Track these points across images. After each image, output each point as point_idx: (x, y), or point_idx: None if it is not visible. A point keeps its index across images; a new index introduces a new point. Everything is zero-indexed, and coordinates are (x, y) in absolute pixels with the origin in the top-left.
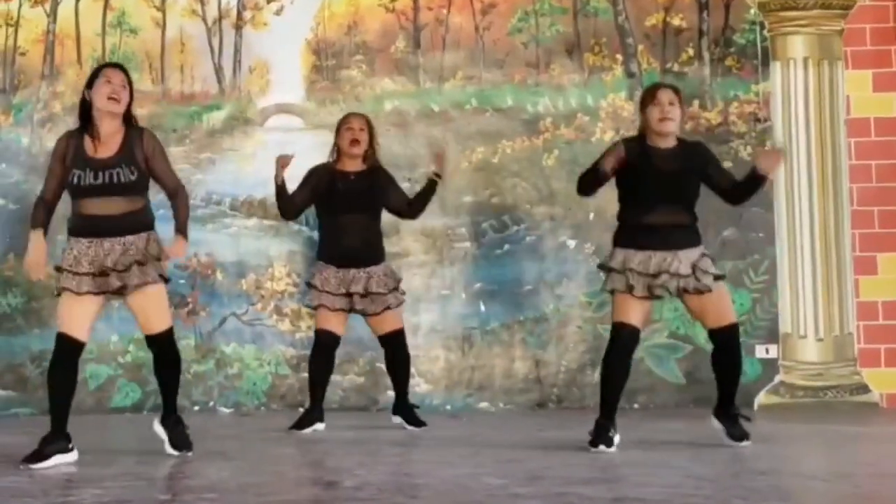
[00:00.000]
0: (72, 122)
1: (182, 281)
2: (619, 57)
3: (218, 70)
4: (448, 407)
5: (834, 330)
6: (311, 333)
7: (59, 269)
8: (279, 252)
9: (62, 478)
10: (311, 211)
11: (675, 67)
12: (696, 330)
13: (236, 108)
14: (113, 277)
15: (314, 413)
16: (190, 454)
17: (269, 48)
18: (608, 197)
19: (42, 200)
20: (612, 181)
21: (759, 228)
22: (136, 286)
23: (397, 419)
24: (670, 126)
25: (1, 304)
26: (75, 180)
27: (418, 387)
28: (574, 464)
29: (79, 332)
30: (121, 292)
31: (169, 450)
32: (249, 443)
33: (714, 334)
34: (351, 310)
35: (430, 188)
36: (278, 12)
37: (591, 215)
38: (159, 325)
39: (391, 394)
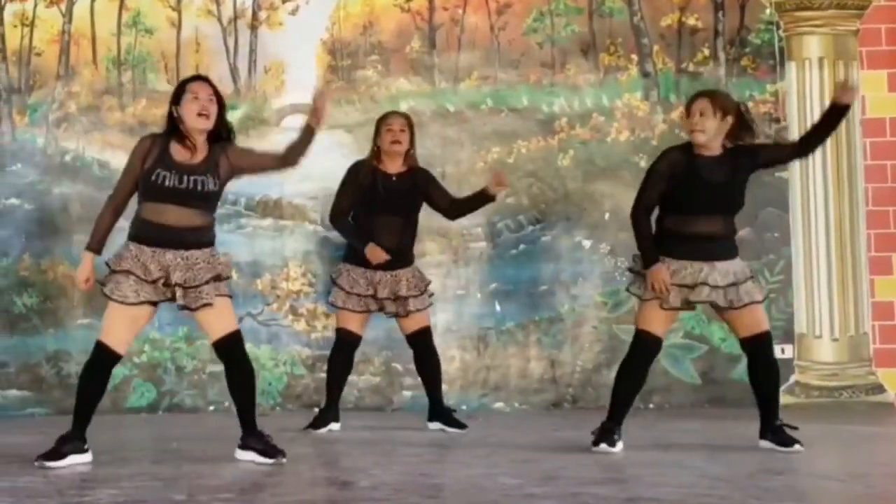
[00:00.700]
0: (87, 122)
1: None
2: (635, 57)
3: (233, 70)
4: (463, 407)
5: (849, 330)
6: (327, 334)
7: (113, 271)
8: (294, 252)
9: (77, 478)
10: (325, 210)
11: (691, 68)
12: (712, 330)
13: (252, 108)
14: (179, 293)
15: (330, 413)
16: (285, 460)
17: (284, 48)
18: (624, 197)
19: (110, 205)
20: (634, 188)
21: (775, 228)
22: (208, 304)
23: (435, 425)
24: (700, 137)
25: (17, 305)
26: (159, 180)
27: None
28: (589, 464)
29: (120, 345)
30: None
31: (263, 461)
32: None
33: (746, 343)
34: (385, 313)
35: (478, 201)
36: (293, 12)
37: (607, 215)
38: (228, 327)
39: (407, 394)
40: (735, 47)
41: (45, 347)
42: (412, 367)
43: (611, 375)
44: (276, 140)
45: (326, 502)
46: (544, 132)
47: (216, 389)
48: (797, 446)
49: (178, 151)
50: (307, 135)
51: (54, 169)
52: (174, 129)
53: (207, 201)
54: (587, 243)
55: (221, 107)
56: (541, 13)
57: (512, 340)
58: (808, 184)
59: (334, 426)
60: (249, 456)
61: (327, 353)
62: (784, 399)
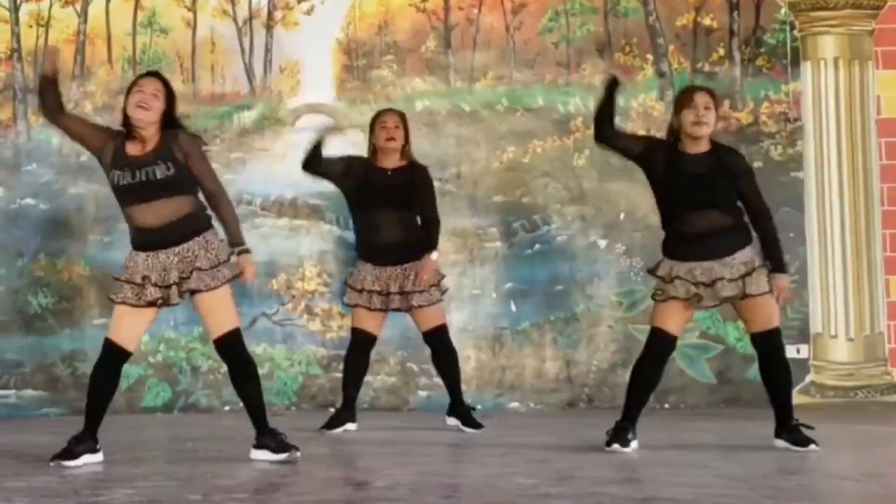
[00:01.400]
0: (102, 122)
1: None
2: (650, 57)
3: (248, 70)
4: (479, 407)
5: (865, 330)
6: (342, 334)
7: (117, 279)
8: (310, 251)
9: (92, 477)
10: (341, 210)
11: (706, 67)
12: (728, 330)
13: (267, 108)
14: (174, 291)
15: (345, 413)
16: (298, 453)
17: (299, 48)
18: (638, 197)
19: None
20: (649, 189)
21: (790, 228)
22: (205, 289)
23: (453, 421)
24: (704, 130)
25: (32, 304)
26: (115, 180)
27: None
28: (604, 464)
29: (128, 342)
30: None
31: (277, 458)
32: None
33: (756, 339)
34: (389, 309)
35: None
36: (309, 12)
37: (622, 215)
38: (226, 325)
39: (422, 394)
40: (750, 47)
41: (60, 347)
42: (428, 366)
43: (626, 375)
44: (291, 140)
45: (342, 502)
46: (560, 132)
47: (232, 389)
48: (812, 446)
49: (130, 148)
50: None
51: (70, 169)
52: (127, 126)
53: (169, 189)
54: (602, 243)
55: (171, 103)
56: (556, 13)
57: (527, 340)
58: (824, 183)
59: (350, 426)
60: (264, 455)
61: (343, 353)
62: (799, 399)
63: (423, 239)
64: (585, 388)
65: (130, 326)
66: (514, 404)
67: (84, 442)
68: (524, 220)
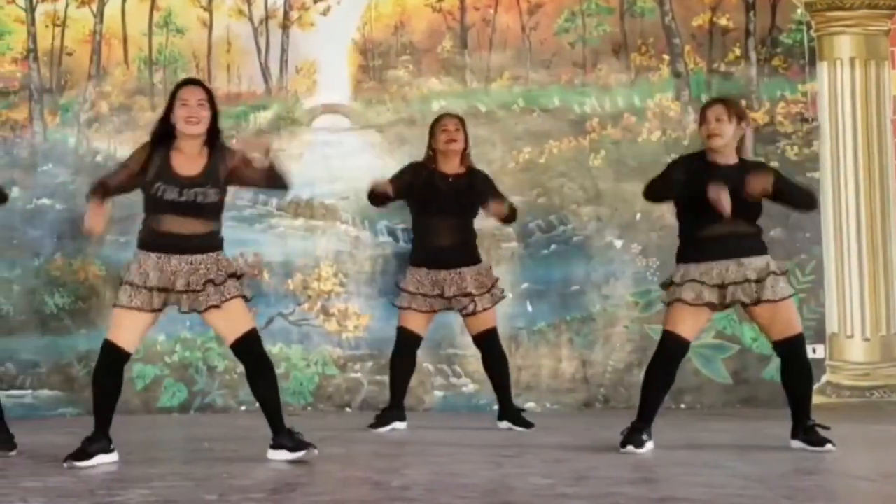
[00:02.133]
0: (118, 122)
1: None
2: (666, 57)
3: (265, 70)
4: (495, 407)
5: (881, 330)
6: (359, 334)
7: (122, 282)
8: (326, 252)
9: (108, 478)
10: (357, 211)
11: (722, 67)
12: (744, 330)
13: (283, 108)
14: (184, 299)
15: (394, 412)
16: (316, 451)
17: (315, 48)
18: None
19: (102, 183)
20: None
21: (806, 228)
22: (214, 306)
23: (504, 424)
24: (718, 141)
25: (48, 305)
26: (159, 193)
27: (465, 387)
28: (620, 464)
29: (127, 343)
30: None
31: (294, 456)
32: None
33: (779, 346)
34: (442, 310)
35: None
36: (325, 12)
37: (638, 215)
38: (241, 328)
39: (438, 394)
40: (766, 47)
41: (76, 348)
42: (443, 366)
43: (642, 375)
44: (308, 140)
45: (358, 502)
46: (576, 132)
47: (248, 389)
48: (829, 446)
49: (177, 162)
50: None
51: (86, 169)
52: (171, 136)
53: (210, 211)
54: (619, 243)
55: (215, 110)
56: (572, 13)
57: (543, 340)
58: (840, 184)
59: (399, 425)
60: (281, 455)
61: (358, 352)
62: (816, 399)
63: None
64: (601, 388)
65: (129, 328)
66: (531, 404)
67: (97, 442)
68: (540, 220)
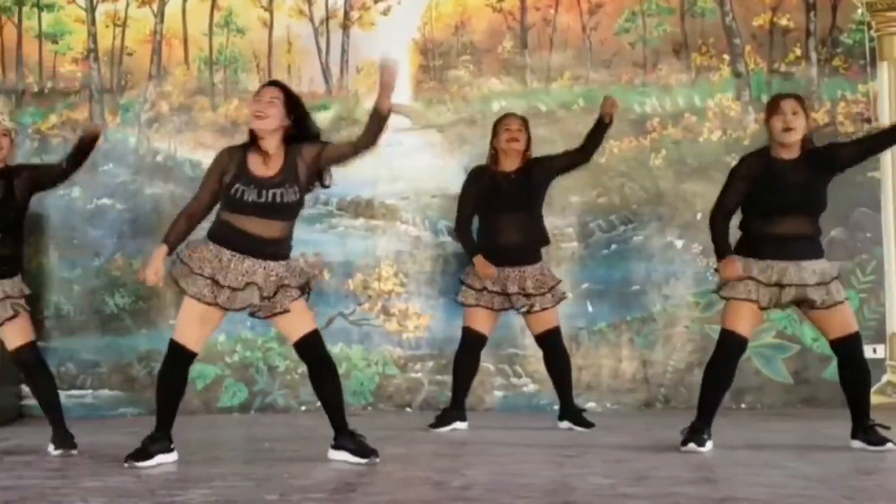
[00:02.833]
0: (179, 122)
1: None
2: (727, 57)
3: (325, 70)
4: (555, 407)
5: None
6: (419, 334)
7: (191, 270)
8: (386, 252)
9: (169, 477)
10: (417, 210)
11: (782, 67)
12: (804, 330)
13: (343, 107)
14: (259, 305)
15: (455, 412)
16: (377, 460)
17: (376, 48)
18: (715, 197)
19: (184, 215)
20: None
21: (867, 228)
22: (285, 310)
23: (565, 424)
24: (794, 136)
25: (109, 305)
26: (237, 194)
27: (526, 386)
28: (681, 464)
29: (195, 344)
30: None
31: (355, 460)
32: None
33: (836, 345)
34: (507, 309)
35: (599, 133)
36: (385, 12)
37: (699, 215)
38: (304, 328)
39: (498, 394)
40: (827, 47)
41: (136, 348)
42: (504, 366)
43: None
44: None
45: (418, 502)
46: (636, 132)
47: (309, 389)
48: (889, 445)
49: (254, 163)
50: (375, 117)
51: (146, 169)
52: (252, 138)
53: (289, 211)
54: (679, 243)
55: (299, 110)
56: (633, 13)
57: (604, 340)
58: None
59: (460, 425)
60: (342, 456)
61: (419, 352)
62: (876, 399)
63: (589, 139)
64: (662, 388)
65: (197, 327)
66: (591, 404)
67: (158, 442)
68: (601, 220)
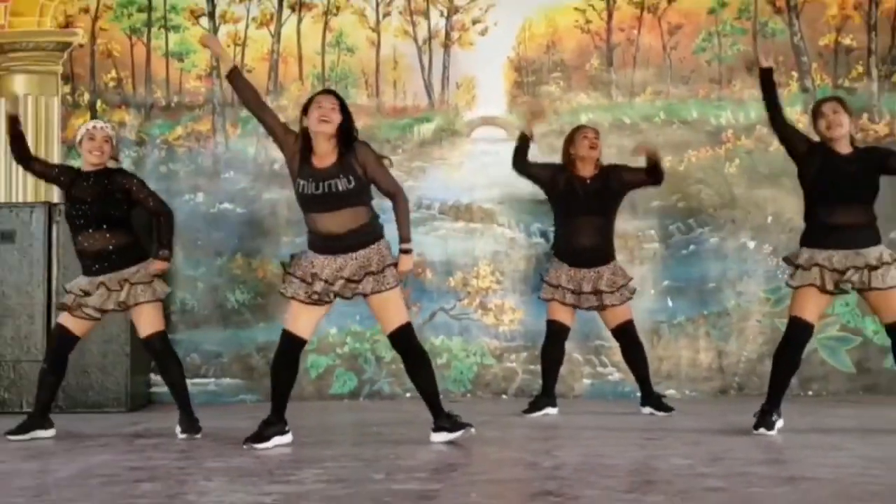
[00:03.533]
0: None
1: None
2: (795, 74)
3: (428, 86)
4: (638, 394)
5: None
6: (514, 327)
7: (289, 273)
8: (484, 252)
9: (285, 458)
10: (513, 214)
11: (846, 83)
12: (866, 323)
13: (445, 120)
14: (342, 285)
15: (545, 399)
16: (473, 430)
17: (474, 66)
18: (785, 202)
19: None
20: (794, 194)
21: None
22: (373, 292)
23: (647, 409)
24: (839, 131)
25: (230, 300)
26: (300, 189)
27: (611, 375)
28: (753, 446)
29: (303, 332)
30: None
31: (454, 436)
32: None
33: (891, 328)
34: (581, 307)
35: (653, 168)
36: (483, 33)
37: (770, 218)
38: (397, 321)
39: (586, 382)
40: (887, 65)
41: (255, 339)
42: (591, 357)
43: None
44: (467, 150)
45: (513, 481)
46: (712, 142)
47: None
48: None
49: (312, 160)
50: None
51: (264, 176)
52: (307, 139)
53: (350, 200)
54: (752, 244)
55: (347, 116)
56: (709, 34)
57: (682, 333)
58: None
59: (551, 411)
60: (442, 437)
61: (513, 344)
62: None
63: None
64: (736, 376)
65: (304, 318)
66: (671, 391)
67: (274, 426)
68: (680, 223)
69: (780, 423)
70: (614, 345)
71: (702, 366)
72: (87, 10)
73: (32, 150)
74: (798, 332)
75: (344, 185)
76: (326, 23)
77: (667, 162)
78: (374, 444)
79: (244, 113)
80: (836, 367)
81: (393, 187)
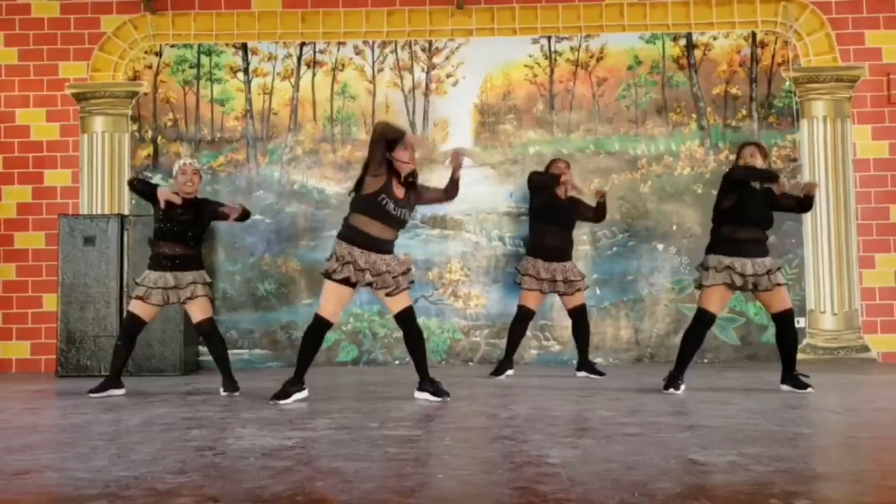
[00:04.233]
0: (309, 161)
1: None
2: (694, 115)
3: (412, 125)
4: (573, 361)
5: (844, 307)
6: (478, 310)
7: (337, 260)
8: (455, 252)
9: (302, 411)
10: (476, 223)
11: (733, 123)
12: (748, 307)
13: (425, 151)
14: (374, 281)
15: (507, 363)
16: (449, 398)
17: (448, 109)
18: (686, 214)
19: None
20: (693, 208)
21: (792, 235)
22: (391, 291)
23: (582, 373)
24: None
25: (260, 289)
26: (382, 202)
27: (553, 347)
28: (663, 401)
29: (332, 316)
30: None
31: (434, 400)
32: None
33: (776, 317)
34: (554, 292)
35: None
36: (455, 84)
37: (674, 226)
38: (404, 304)
39: (533, 352)
40: (764, 108)
41: (279, 320)
42: (538, 333)
43: (677, 339)
44: (443, 174)
45: (477, 428)
46: (630, 168)
47: (400, 349)
48: (809, 389)
49: (394, 186)
50: (452, 182)
51: (286, 194)
52: (389, 168)
53: (403, 225)
54: (660, 246)
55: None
56: (628, 85)
57: (607, 315)
58: (816, 204)
59: (510, 372)
60: (424, 396)
61: (478, 323)
62: (799, 356)
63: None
64: (649, 348)
65: (335, 305)
66: (598, 360)
67: (294, 385)
68: (606, 230)
69: (683, 388)
70: (557, 324)
71: (622, 340)
72: (150, 67)
73: (107, 173)
74: (704, 320)
75: (408, 216)
76: (334, 76)
77: (595, 184)
78: (371, 400)
79: (271, 146)
80: (726, 341)
81: (439, 193)
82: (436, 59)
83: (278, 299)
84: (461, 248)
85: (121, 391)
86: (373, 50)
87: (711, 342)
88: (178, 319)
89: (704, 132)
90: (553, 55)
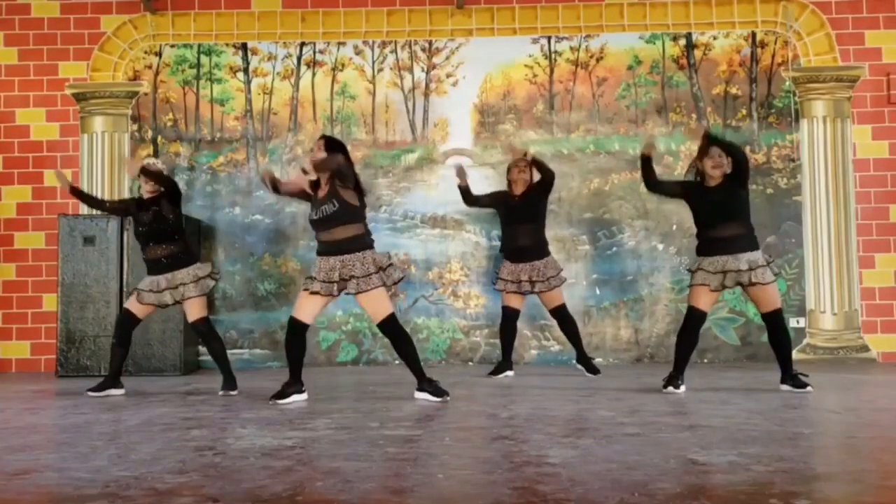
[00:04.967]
0: (309, 161)
1: None
2: (694, 115)
3: (412, 125)
4: (573, 361)
5: (844, 307)
6: (479, 310)
7: (309, 278)
8: (455, 253)
9: (302, 411)
10: (477, 223)
11: (733, 123)
12: (748, 307)
13: (425, 151)
14: (335, 287)
15: (505, 364)
16: (448, 398)
17: (448, 109)
18: (685, 214)
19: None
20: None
21: (792, 236)
22: (359, 291)
23: (579, 367)
24: (718, 172)
25: (260, 289)
26: (310, 215)
27: (553, 347)
28: (662, 401)
29: (305, 317)
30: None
31: (433, 400)
32: None
33: (764, 318)
34: (519, 292)
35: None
36: (454, 84)
37: (674, 226)
38: (380, 315)
39: (533, 352)
40: (764, 108)
41: (279, 319)
42: (538, 333)
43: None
44: (442, 174)
45: (477, 428)
46: (630, 168)
47: None
48: (808, 388)
49: (316, 193)
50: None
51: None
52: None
53: (323, 222)
54: (660, 246)
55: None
56: (628, 85)
57: (607, 315)
58: (816, 205)
59: (509, 373)
60: (423, 396)
61: (478, 323)
62: (799, 356)
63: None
64: (648, 348)
65: (308, 307)
66: (598, 359)
67: (292, 386)
68: (605, 230)
69: (683, 387)
70: (553, 324)
71: (622, 340)
72: (150, 67)
73: (107, 173)
74: (693, 317)
75: (329, 210)
76: (334, 76)
77: (595, 183)
78: (371, 400)
79: (271, 146)
80: (726, 341)
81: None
82: (436, 59)
83: (278, 299)
84: (461, 248)
85: (120, 391)
86: (373, 50)
87: (711, 342)
88: (178, 319)
89: None
90: (553, 55)
